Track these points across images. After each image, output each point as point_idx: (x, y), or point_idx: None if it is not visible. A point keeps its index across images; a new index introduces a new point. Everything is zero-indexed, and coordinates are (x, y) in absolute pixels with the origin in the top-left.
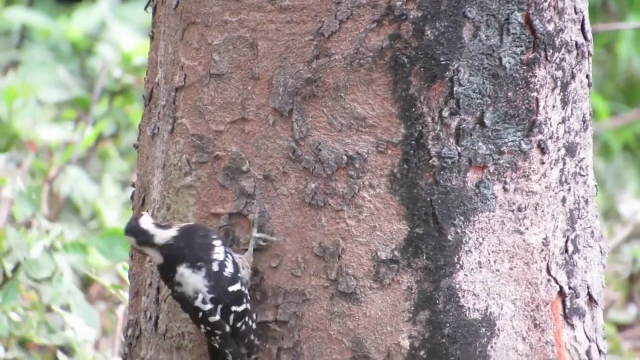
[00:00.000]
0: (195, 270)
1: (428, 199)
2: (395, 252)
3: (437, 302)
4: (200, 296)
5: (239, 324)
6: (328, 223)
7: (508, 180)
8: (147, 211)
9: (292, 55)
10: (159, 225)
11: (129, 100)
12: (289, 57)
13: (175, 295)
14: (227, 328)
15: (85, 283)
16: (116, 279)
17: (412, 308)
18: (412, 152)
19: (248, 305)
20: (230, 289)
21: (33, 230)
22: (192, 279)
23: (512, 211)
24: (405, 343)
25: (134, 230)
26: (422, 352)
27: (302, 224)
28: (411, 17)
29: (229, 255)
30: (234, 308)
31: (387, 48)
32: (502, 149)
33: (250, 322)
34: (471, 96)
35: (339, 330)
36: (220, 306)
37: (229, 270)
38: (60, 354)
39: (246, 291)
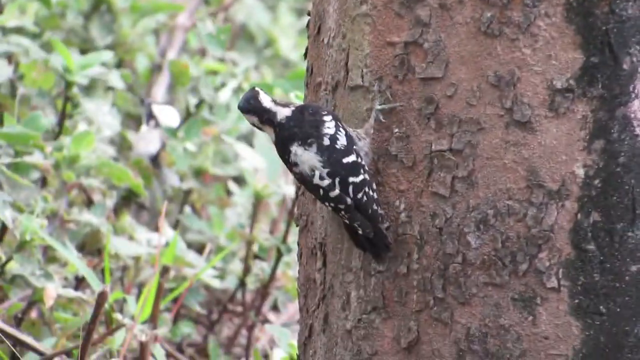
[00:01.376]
0: (307, 147)
1: (604, 27)
2: (571, 81)
3: (612, 131)
4: (317, 172)
5: (359, 195)
6: (503, 52)
7: None
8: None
9: None
10: (277, 103)
11: None
12: None
13: (296, 177)
14: (349, 201)
15: None
16: None
17: (587, 137)
18: None
19: (366, 176)
20: (345, 160)
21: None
22: (305, 156)
23: None
24: (580, 172)
25: (256, 109)
26: (596, 181)
27: (478, 52)
28: None
29: (340, 129)
30: (351, 179)
31: None
32: None
33: (370, 192)
34: None
35: (513, 159)
36: (337, 179)
37: (341, 142)
38: (231, 184)
39: (363, 162)
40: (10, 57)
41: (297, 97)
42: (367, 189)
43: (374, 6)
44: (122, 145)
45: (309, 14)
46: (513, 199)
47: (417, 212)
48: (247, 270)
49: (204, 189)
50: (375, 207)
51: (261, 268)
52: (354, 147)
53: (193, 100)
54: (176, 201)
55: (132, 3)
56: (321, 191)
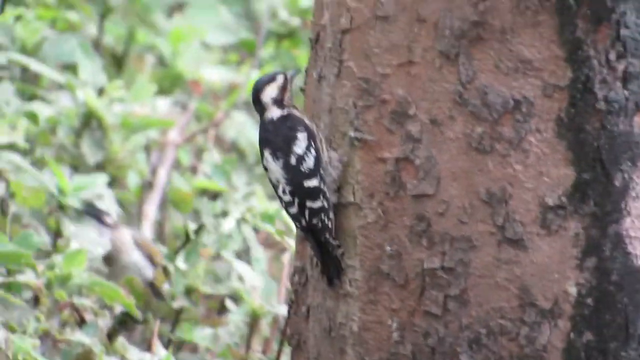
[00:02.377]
0: (276, 159)
1: (595, 143)
2: (563, 198)
3: (604, 248)
4: (281, 186)
5: (314, 221)
6: (495, 168)
7: None
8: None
9: None
10: (277, 102)
11: (296, 43)
12: None
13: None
14: (304, 222)
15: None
16: (282, 225)
17: (580, 255)
18: (579, 95)
19: (325, 203)
20: (306, 184)
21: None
22: (273, 166)
23: None
24: (573, 290)
25: (255, 97)
26: (589, 300)
27: (469, 168)
28: None
29: (311, 150)
30: (309, 204)
31: None
32: None
33: (326, 220)
34: (638, 39)
35: (505, 277)
36: (297, 200)
37: (307, 165)
38: (228, 302)
39: (325, 188)
40: (0, 174)
41: None
42: (322, 216)
43: (364, 121)
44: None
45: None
46: (505, 317)
47: (410, 332)
48: None
49: (194, 307)
50: (327, 235)
51: None
52: (320, 171)
53: (192, 225)
54: (168, 320)
55: (122, 119)
56: (282, 203)
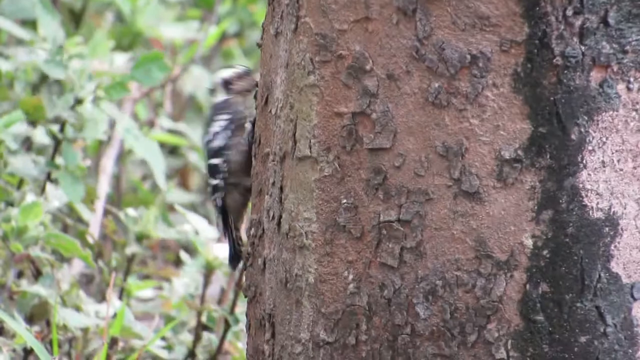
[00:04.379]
0: (204, 137)
1: (552, 98)
2: (519, 152)
3: (561, 201)
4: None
5: (212, 197)
6: (451, 122)
7: (632, 79)
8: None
9: None
10: (226, 85)
11: None
12: None
13: None
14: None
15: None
16: None
17: (536, 207)
18: (535, 51)
19: (220, 183)
20: (210, 161)
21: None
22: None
23: (636, 110)
24: (529, 242)
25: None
26: (545, 252)
27: (426, 123)
28: None
29: (226, 131)
30: (210, 180)
31: None
32: (625, 48)
33: (218, 201)
34: None
35: (462, 229)
36: (208, 177)
37: (217, 143)
38: (182, 253)
39: (225, 168)
40: None
41: None
42: (217, 195)
43: (321, 77)
44: (70, 216)
45: (256, 85)
46: (462, 269)
47: (366, 283)
48: (197, 340)
49: (148, 253)
50: (217, 214)
51: (209, 339)
52: (226, 152)
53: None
54: (121, 270)
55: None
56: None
